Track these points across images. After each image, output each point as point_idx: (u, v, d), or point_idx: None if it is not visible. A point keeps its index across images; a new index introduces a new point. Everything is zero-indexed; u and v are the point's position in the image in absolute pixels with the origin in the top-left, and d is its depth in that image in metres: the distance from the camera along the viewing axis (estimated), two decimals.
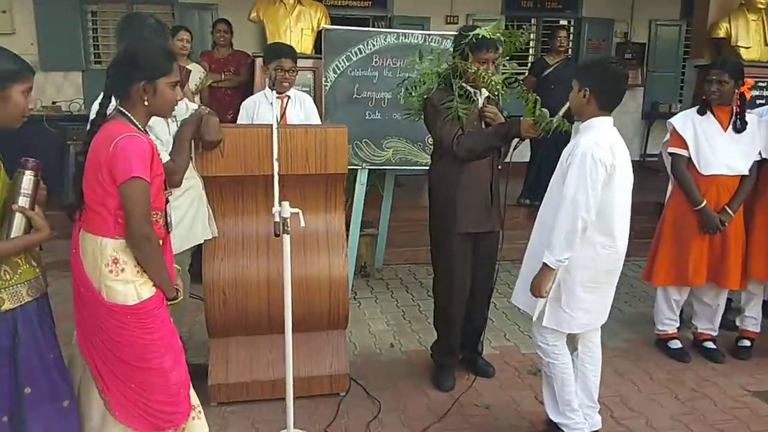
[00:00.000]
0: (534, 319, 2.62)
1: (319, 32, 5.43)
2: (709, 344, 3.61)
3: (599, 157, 2.34)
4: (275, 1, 5.32)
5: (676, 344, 3.61)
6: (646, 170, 8.46)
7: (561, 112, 2.67)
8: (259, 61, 5.04)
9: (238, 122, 3.73)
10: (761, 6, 5.87)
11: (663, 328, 3.67)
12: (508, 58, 3.10)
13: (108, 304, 1.93)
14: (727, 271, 3.43)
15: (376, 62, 4.60)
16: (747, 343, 3.60)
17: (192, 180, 2.67)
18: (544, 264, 2.42)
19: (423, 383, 3.25)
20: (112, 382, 1.98)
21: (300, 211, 2.54)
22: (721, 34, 6.00)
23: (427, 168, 4.70)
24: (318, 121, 3.89)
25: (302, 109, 3.83)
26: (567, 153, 2.49)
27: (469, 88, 2.97)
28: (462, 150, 2.87)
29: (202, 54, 5.74)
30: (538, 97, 2.71)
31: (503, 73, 3.12)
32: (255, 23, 5.65)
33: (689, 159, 3.41)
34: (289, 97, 3.77)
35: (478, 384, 3.21)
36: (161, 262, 2.02)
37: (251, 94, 5.03)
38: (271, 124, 2.80)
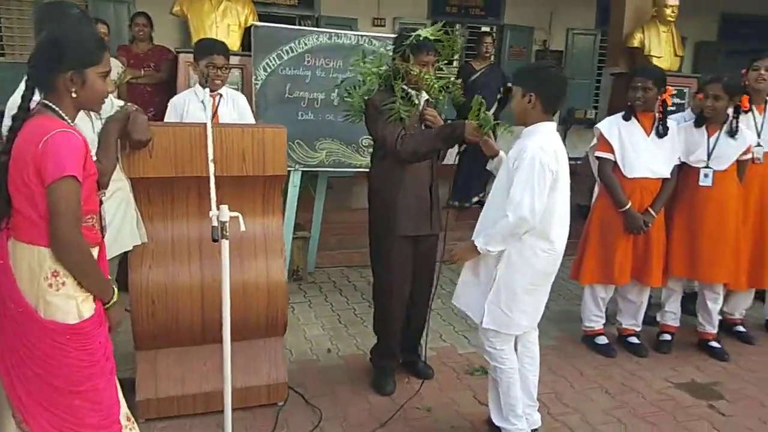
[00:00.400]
0: (477, 321, 2.64)
1: (247, 29, 5.28)
2: (633, 339, 3.77)
3: (546, 163, 2.38)
4: None
5: (602, 340, 3.75)
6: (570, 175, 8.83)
7: (489, 114, 2.72)
8: (183, 57, 4.83)
9: (166, 120, 3.53)
10: (671, 19, 6.24)
11: (590, 324, 3.80)
12: (446, 62, 3.10)
13: (45, 323, 1.75)
14: (650, 270, 3.59)
15: (308, 62, 4.52)
16: (668, 337, 3.79)
17: (119, 182, 2.49)
18: (474, 245, 2.50)
19: (363, 388, 3.19)
20: (37, 409, 1.78)
21: (239, 215, 2.42)
22: (636, 43, 6.32)
23: (361, 170, 4.72)
24: (252, 121, 3.75)
25: (235, 108, 3.68)
26: (513, 157, 2.50)
27: (410, 90, 2.95)
28: (405, 151, 2.85)
29: (119, 48, 5.42)
30: (482, 100, 2.72)
31: (440, 78, 3.11)
32: (177, 17, 5.39)
33: (615, 163, 3.55)
34: (221, 95, 3.60)
35: (418, 385, 3.19)
36: (95, 268, 1.86)
37: (173, 91, 4.80)
38: (204, 123, 2.70)
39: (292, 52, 4.49)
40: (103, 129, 2.41)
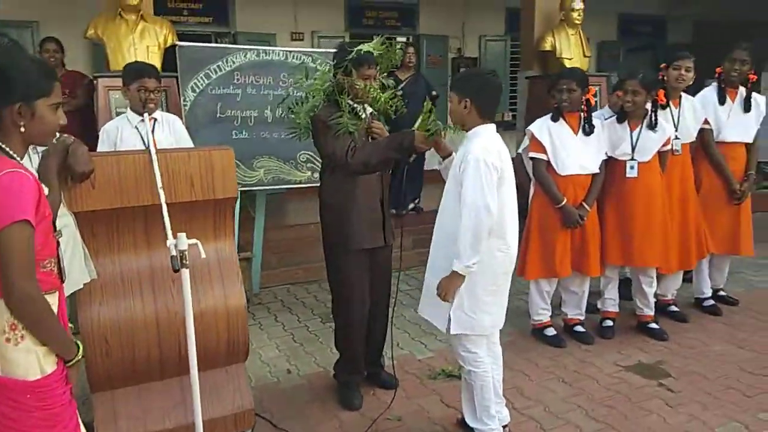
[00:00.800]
0: (442, 328, 2.68)
1: (167, 49, 5.13)
2: (579, 328, 3.95)
3: (491, 162, 2.45)
4: (115, 17, 4.89)
5: (551, 332, 3.91)
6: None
7: (417, 125, 2.78)
8: (102, 82, 4.61)
9: (99, 150, 3.36)
10: (577, 22, 6.61)
11: (538, 318, 3.95)
12: (385, 74, 3.14)
13: (2, 381, 1.60)
14: (589, 261, 3.79)
15: (237, 80, 4.45)
16: (610, 323, 4.00)
17: (64, 218, 2.35)
18: (454, 271, 2.47)
19: (331, 406, 3.17)
20: None
21: (198, 242, 2.35)
22: (547, 47, 6.65)
23: (302, 185, 4.69)
24: (190, 144, 3.62)
25: (171, 132, 3.55)
26: (459, 161, 2.58)
27: (354, 104, 2.97)
28: (356, 163, 2.85)
29: None
30: (432, 106, 2.77)
31: (383, 90, 3.15)
32: (92, 41, 5.15)
33: (548, 162, 3.72)
34: (155, 119, 3.46)
35: (387, 396, 3.20)
36: (54, 321, 1.71)
37: (92, 117, 4.59)
38: (147, 149, 2.60)
39: (220, 70, 4.42)
40: (41, 165, 2.26)
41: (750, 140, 4.13)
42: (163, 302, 2.73)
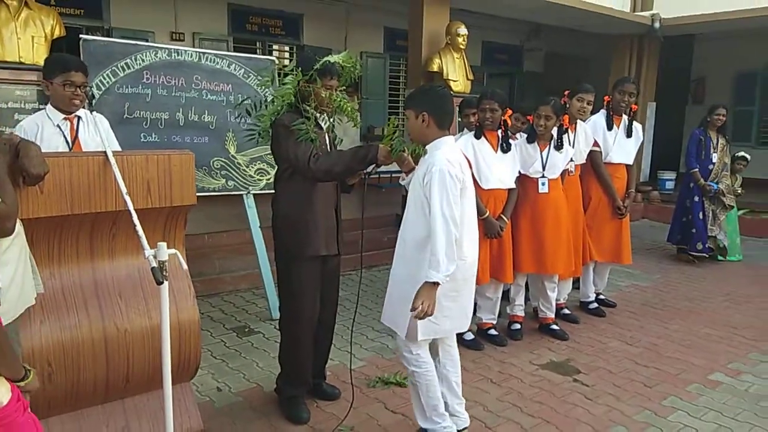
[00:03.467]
0: (403, 336, 2.74)
1: (54, 41, 4.65)
2: (493, 331, 4.24)
3: (454, 173, 2.56)
4: None
5: (469, 336, 4.13)
6: (371, 187, 9.35)
7: (382, 140, 2.85)
8: None
9: None
10: (462, 46, 7.07)
11: None
12: (344, 87, 3.15)
13: None
14: (504, 269, 4.08)
15: (147, 79, 4.19)
16: (518, 326, 4.34)
17: (17, 226, 2.07)
18: (429, 283, 2.50)
19: (275, 421, 3.08)
20: None
21: (177, 252, 2.21)
22: (435, 68, 7.03)
23: (215, 193, 4.49)
24: (117, 145, 3.28)
25: (97, 132, 3.19)
26: (422, 173, 2.65)
27: (316, 113, 2.95)
28: (319, 169, 2.82)
29: None
30: (396, 125, 2.85)
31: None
32: None
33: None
34: (79, 117, 3.09)
35: (331, 408, 3.19)
36: (6, 344, 1.57)
37: None
38: (103, 151, 2.38)
39: (129, 68, 4.12)
40: None
41: (631, 162, 4.74)
42: (111, 319, 2.51)
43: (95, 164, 2.37)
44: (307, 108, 2.93)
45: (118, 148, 3.21)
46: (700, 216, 6.45)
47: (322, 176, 2.87)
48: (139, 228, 2.19)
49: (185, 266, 2.24)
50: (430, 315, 2.52)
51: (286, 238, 3.02)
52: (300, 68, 2.94)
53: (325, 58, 2.96)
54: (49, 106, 3.02)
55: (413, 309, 2.51)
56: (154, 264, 2.09)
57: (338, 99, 2.94)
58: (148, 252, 2.12)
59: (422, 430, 2.88)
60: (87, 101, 2.77)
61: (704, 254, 6.56)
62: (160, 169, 2.54)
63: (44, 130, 2.95)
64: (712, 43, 10.87)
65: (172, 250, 2.16)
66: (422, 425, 2.85)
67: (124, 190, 2.28)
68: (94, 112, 3.14)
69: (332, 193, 3.09)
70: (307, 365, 3.14)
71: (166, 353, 2.19)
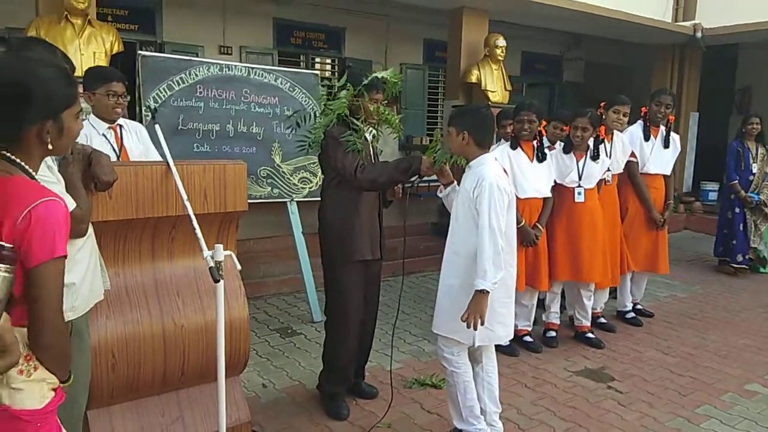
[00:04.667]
0: (469, 343, 2.82)
1: (114, 56, 4.97)
2: (528, 338, 4.32)
3: (503, 187, 2.72)
4: (60, 20, 4.67)
5: (505, 342, 4.21)
6: (410, 196, 9.48)
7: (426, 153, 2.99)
8: None
9: None
10: (500, 58, 7.19)
11: None
12: (386, 102, 3.33)
13: (16, 413, 1.50)
14: (540, 276, 4.17)
15: (200, 92, 4.44)
16: (553, 333, 4.41)
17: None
18: (481, 291, 2.62)
19: (317, 417, 3.24)
20: None
21: (232, 253, 2.40)
22: (473, 79, 7.16)
23: (261, 200, 4.71)
24: (156, 154, 3.53)
25: (140, 141, 3.46)
26: (471, 187, 2.76)
27: (363, 126, 3.13)
28: (365, 179, 3.01)
29: None
30: (441, 137, 3.00)
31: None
32: None
33: None
34: (121, 126, 3.32)
35: (371, 405, 3.35)
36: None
37: None
38: (166, 161, 2.60)
39: (183, 82, 4.38)
40: (66, 174, 2.20)
41: (668, 173, 4.77)
42: (169, 315, 2.71)
43: (158, 173, 2.58)
44: (355, 120, 3.10)
45: (158, 157, 3.41)
46: (741, 227, 6.39)
47: (367, 186, 3.05)
48: (198, 231, 2.39)
49: (239, 267, 2.42)
50: (482, 323, 2.64)
51: (332, 243, 3.20)
52: (350, 83, 3.12)
53: (373, 75, 3.13)
54: (91, 116, 3.20)
55: (466, 319, 2.64)
56: (212, 264, 2.29)
57: (386, 113, 3.11)
58: (207, 253, 2.31)
59: (456, 431, 2.99)
60: (150, 114, 3.00)
61: (744, 266, 6.48)
62: (216, 178, 2.74)
63: (92, 139, 3.17)
64: (757, 51, 10.66)
65: (228, 252, 2.36)
66: (458, 426, 2.95)
67: (184, 196, 2.49)
68: (133, 122, 3.37)
69: (375, 200, 3.25)
70: (349, 364, 3.30)
71: (221, 347, 2.37)
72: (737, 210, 6.40)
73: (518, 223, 3.97)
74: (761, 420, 3.31)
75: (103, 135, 3.27)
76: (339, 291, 3.20)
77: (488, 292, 2.62)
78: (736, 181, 6.27)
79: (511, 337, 3.02)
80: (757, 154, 6.28)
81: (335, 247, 3.18)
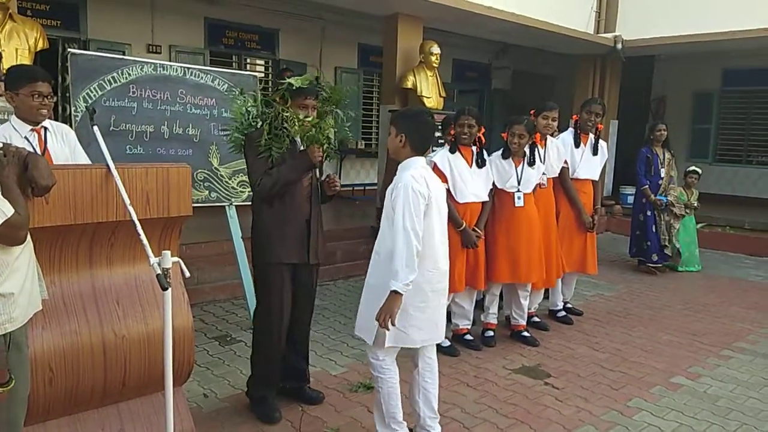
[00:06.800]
0: (371, 342, 2.86)
1: (38, 53, 4.72)
2: (468, 337, 4.42)
3: (418, 189, 2.70)
4: None
5: (446, 342, 4.30)
6: (341, 199, 9.50)
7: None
8: None
9: None
10: (435, 65, 7.32)
11: None
12: (334, 106, 3.33)
13: None
14: (479, 277, 4.28)
15: (133, 93, 4.28)
16: (491, 333, 4.53)
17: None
18: (393, 291, 2.64)
19: (261, 425, 3.19)
20: None
21: (180, 260, 2.33)
22: (409, 85, 7.26)
23: (198, 205, 4.58)
24: (85, 157, 3.34)
25: (65, 144, 3.26)
26: (391, 189, 2.81)
27: (290, 130, 3.11)
28: (263, 190, 3.11)
29: None
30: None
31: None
32: None
33: (448, 190, 4.15)
34: (46, 128, 3.11)
35: (316, 411, 3.33)
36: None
37: None
38: (106, 164, 2.50)
39: (115, 82, 4.21)
40: (1, 177, 2.08)
41: (596, 178, 5.02)
42: (109, 325, 2.60)
43: (98, 176, 2.48)
44: (277, 127, 3.11)
45: (87, 161, 3.21)
46: (654, 229, 6.86)
47: (267, 193, 3.13)
48: (143, 237, 2.31)
49: (188, 274, 2.36)
50: (393, 323, 2.66)
51: (255, 245, 3.26)
52: (275, 87, 3.12)
53: (287, 81, 3.13)
54: (13, 117, 3.01)
55: (378, 318, 2.67)
56: (159, 271, 2.21)
57: (310, 128, 3.12)
58: (153, 260, 2.24)
59: None
60: (89, 117, 2.87)
61: (659, 263, 6.93)
62: (159, 181, 2.66)
63: (12, 141, 2.98)
64: (671, 63, 11.40)
65: (176, 258, 2.29)
66: (379, 430, 2.91)
67: (127, 201, 2.40)
68: (60, 124, 3.20)
69: (305, 204, 3.25)
70: (276, 365, 3.29)
71: (168, 357, 2.30)
72: (648, 213, 6.86)
73: (459, 226, 4.08)
74: (687, 410, 3.53)
75: (26, 138, 3.06)
76: (262, 294, 3.25)
77: (401, 293, 2.63)
78: (647, 186, 6.70)
79: (432, 342, 2.96)
80: (664, 159, 6.73)
81: (257, 249, 3.24)
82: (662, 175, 6.75)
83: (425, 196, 2.74)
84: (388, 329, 2.69)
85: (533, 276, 4.39)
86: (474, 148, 4.25)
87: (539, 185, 4.59)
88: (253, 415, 3.28)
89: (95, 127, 2.76)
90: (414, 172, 2.79)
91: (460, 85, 11.49)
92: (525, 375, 3.97)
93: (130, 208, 2.38)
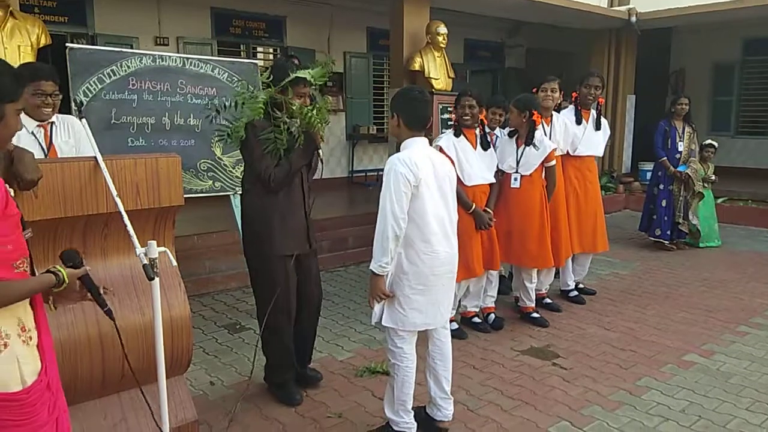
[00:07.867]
0: (373, 322, 2.86)
1: (41, 50, 4.75)
2: (476, 319, 4.39)
3: (402, 172, 2.64)
4: None
5: (453, 326, 4.26)
6: (354, 185, 9.47)
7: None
8: None
9: None
10: (442, 45, 7.22)
11: None
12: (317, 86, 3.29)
13: None
14: (494, 258, 4.23)
15: (133, 85, 4.30)
16: (493, 316, 4.47)
17: None
18: (372, 271, 2.69)
19: (267, 411, 3.21)
20: None
21: (167, 250, 2.34)
22: (416, 67, 7.17)
23: (203, 195, 4.60)
24: (90, 148, 3.37)
25: (72, 135, 3.29)
26: (385, 172, 2.78)
27: (288, 120, 3.07)
28: (277, 182, 3.08)
29: None
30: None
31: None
32: None
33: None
34: (52, 123, 3.18)
35: (321, 395, 3.34)
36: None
37: None
38: (93, 156, 2.50)
39: (115, 75, 4.22)
40: None
41: (600, 154, 4.92)
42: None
43: (86, 169, 2.48)
44: (278, 116, 3.06)
45: (91, 148, 3.27)
46: (663, 204, 6.74)
47: (280, 185, 3.11)
48: (129, 227, 2.31)
49: (175, 263, 2.37)
50: (378, 301, 2.77)
51: (251, 238, 3.21)
52: (273, 78, 3.08)
53: (295, 75, 3.06)
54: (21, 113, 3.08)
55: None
56: (145, 261, 2.22)
57: (307, 114, 3.06)
58: (139, 250, 2.24)
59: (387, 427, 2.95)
60: (76, 108, 2.88)
61: (663, 240, 6.82)
62: (148, 172, 2.65)
63: (20, 138, 3.01)
64: (689, 35, 11.08)
65: (162, 248, 2.29)
66: (387, 414, 2.91)
67: (114, 192, 2.40)
68: (66, 116, 3.22)
69: (299, 193, 3.23)
70: (290, 351, 3.30)
71: (160, 346, 2.32)
72: (661, 186, 6.75)
73: (469, 208, 4.02)
74: (698, 388, 3.46)
75: (32, 133, 3.12)
76: (262, 285, 3.22)
77: (378, 274, 2.67)
78: (665, 158, 6.57)
79: (434, 326, 2.92)
80: (683, 132, 6.57)
81: (254, 242, 3.19)
82: (680, 149, 6.61)
83: (410, 179, 2.66)
84: (371, 307, 2.80)
85: (525, 260, 4.35)
86: (477, 130, 4.18)
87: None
88: (271, 402, 3.30)
89: (83, 120, 2.77)
90: (404, 153, 2.74)
91: (473, 65, 11.33)
92: (533, 356, 3.92)
93: (117, 200, 2.38)
